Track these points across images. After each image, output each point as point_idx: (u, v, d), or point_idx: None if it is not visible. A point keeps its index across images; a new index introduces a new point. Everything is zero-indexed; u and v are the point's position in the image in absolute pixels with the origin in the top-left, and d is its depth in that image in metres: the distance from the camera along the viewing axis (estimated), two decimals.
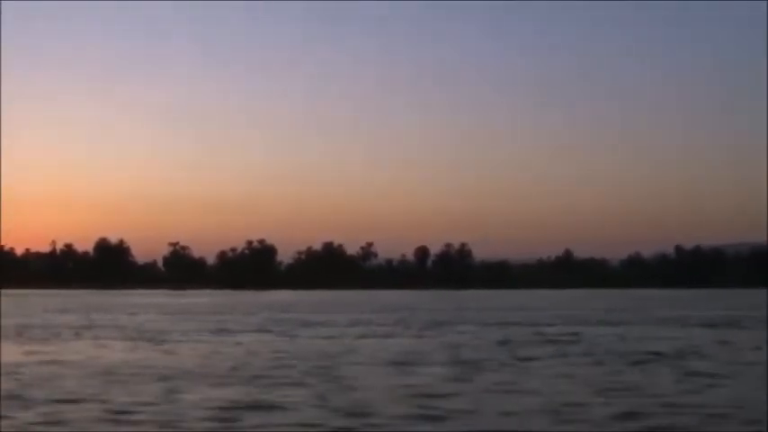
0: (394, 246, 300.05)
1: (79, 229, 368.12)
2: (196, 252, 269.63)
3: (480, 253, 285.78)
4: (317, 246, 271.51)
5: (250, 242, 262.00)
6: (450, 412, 16.17)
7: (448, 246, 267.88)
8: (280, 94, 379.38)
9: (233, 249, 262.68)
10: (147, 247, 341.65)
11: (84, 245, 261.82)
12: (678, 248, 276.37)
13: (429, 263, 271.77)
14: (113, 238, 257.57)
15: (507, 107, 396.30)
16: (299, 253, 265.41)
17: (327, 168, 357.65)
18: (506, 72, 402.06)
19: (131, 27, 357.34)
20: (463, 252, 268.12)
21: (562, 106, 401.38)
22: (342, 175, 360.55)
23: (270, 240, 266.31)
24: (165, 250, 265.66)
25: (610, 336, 39.49)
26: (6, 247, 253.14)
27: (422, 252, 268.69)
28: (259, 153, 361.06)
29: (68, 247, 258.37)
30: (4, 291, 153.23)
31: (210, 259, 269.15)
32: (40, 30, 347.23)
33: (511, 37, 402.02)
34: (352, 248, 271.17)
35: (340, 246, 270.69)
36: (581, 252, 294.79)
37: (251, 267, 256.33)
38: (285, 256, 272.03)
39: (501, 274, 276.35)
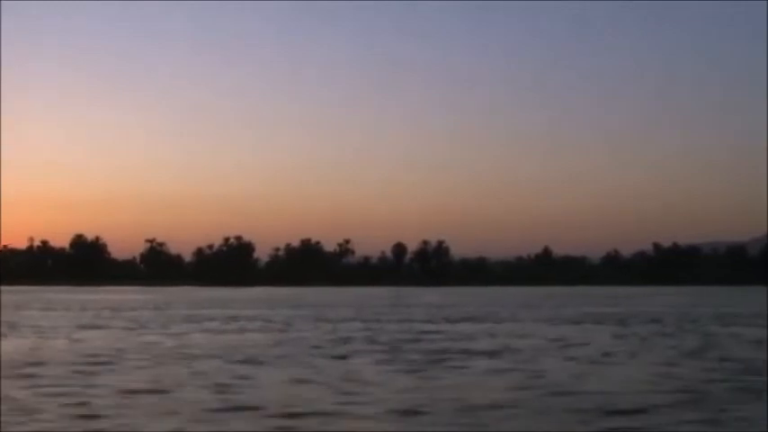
0: (373, 243, 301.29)
1: (56, 228, 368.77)
2: (174, 249, 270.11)
3: (460, 251, 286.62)
4: (296, 243, 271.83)
5: (227, 239, 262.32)
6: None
7: (425, 243, 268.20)
8: (256, 94, 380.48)
9: (210, 246, 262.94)
10: (125, 245, 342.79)
11: (62, 243, 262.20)
12: (656, 246, 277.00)
13: (406, 260, 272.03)
14: (90, 236, 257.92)
15: (488, 107, 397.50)
16: (276, 249, 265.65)
17: (305, 167, 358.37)
18: (487, 71, 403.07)
19: (115, 26, 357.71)
20: (440, 249, 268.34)
21: (542, 106, 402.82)
22: (320, 173, 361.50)
23: (248, 238, 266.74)
24: (143, 247, 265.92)
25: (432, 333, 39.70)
26: None
27: (399, 249, 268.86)
28: (237, 152, 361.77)
29: (45, 243, 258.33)
30: None
31: (188, 256, 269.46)
32: (23, 27, 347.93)
33: (493, 36, 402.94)
34: (330, 246, 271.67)
35: (318, 243, 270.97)
36: (561, 250, 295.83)
37: (228, 264, 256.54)
38: (263, 253, 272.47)
39: (478, 271, 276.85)
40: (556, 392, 18.25)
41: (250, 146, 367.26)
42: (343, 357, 26.33)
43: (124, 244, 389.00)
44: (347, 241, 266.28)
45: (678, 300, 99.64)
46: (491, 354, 27.99)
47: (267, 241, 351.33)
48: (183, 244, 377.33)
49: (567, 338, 35.27)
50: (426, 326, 44.87)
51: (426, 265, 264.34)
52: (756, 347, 30.74)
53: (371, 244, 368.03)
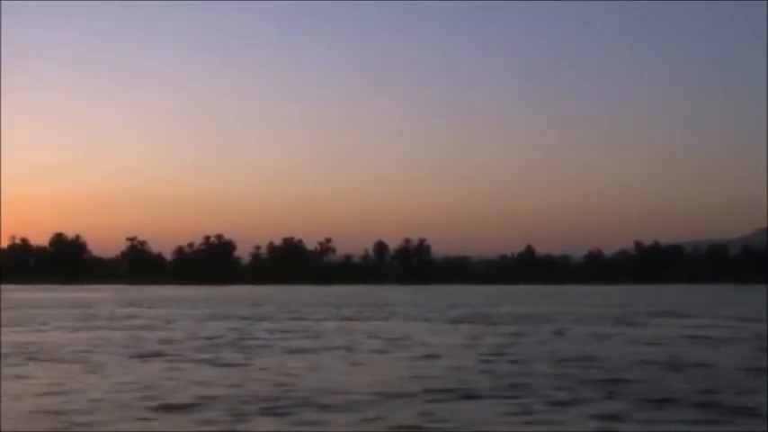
0: (357, 242, 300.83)
1: (36, 226, 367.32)
2: (157, 248, 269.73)
3: (443, 249, 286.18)
4: (278, 241, 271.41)
5: (207, 237, 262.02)
6: None
7: (406, 241, 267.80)
8: (238, 93, 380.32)
9: (190, 245, 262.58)
10: (107, 244, 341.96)
11: (42, 241, 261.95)
12: (637, 244, 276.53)
13: (388, 258, 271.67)
14: (70, 234, 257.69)
15: (471, 107, 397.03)
16: (257, 248, 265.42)
17: (286, 166, 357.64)
18: (476, 72, 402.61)
19: (107, 25, 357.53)
20: (422, 248, 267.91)
21: (525, 107, 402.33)
22: (303, 172, 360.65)
23: (230, 237, 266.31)
24: (124, 246, 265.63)
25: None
26: None
27: (380, 247, 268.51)
28: (219, 151, 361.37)
29: (24, 241, 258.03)
30: None
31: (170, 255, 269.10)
32: (16, 28, 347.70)
33: (478, 38, 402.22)
34: (311, 245, 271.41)
35: (300, 241, 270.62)
36: (544, 249, 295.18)
37: (208, 263, 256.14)
38: (245, 252, 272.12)
39: (460, 270, 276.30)
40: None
41: (232, 146, 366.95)
42: (141, 356, 26.13)
43: (106, 243, 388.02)
44: (328, 240, 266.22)
45: (626, 299, 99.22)
46: (292, 351, 27.81)
47: (250, 240, 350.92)
48: (167, 243, 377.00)
49: (406, 338, 34.95)
50: (307, 323, 44.45)
51: (408, 264, 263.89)
52: (603, 345, 30.29)
53: (355, 243, 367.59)
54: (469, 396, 17.84)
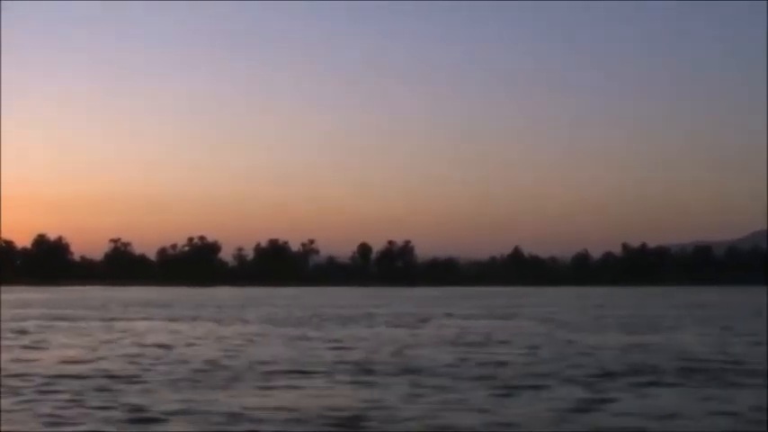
0: (344, 244, 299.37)
1: (20, 227, 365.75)
2: (142, 250, 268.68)
3: (431, 251, 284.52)
4: (263, 243, 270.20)
5: (191, 239, 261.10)
6: None
7: (390, 243, 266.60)
8: (219, 96, 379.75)
9: (173, 246, 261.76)
10: (91, 245, 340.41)
11: (24, 242, 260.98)
12: (625, 246, 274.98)
13: (372, 260, 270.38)
14: (52, 235, 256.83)
15: (460, 106, 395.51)
16: (239, 249, 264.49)
17: (269, 168, 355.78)
18: (459, 69, 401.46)
19: (100, 27, 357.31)
20: (406, 249, 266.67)
21: (515, 106, 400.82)
22: (284, 174, 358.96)
23: (215, 239, 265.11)
24: (107, 247, 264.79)
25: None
26: None
27: (364, 249, 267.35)
28: (202, 152, 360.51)
29: (9, 243, 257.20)
30: None
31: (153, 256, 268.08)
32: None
33: (464, 33, 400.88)
34: (295, 246, 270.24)
35: (285, 243, 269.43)
36: (532, 251, 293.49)
37: (192, 264, 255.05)
38: (230, 254, 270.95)
39: (446, 272, 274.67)
40: None
41: (214, 148, 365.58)
42: None
43: (89, 244, 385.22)
44: (311, 241, 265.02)
45: (576, 301, 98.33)
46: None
47: (234, 242, 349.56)
48: (152, 244, 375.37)
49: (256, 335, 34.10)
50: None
51: (392, 265, 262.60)
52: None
53: (341, 245, 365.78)
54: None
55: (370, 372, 22.67)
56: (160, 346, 30.86)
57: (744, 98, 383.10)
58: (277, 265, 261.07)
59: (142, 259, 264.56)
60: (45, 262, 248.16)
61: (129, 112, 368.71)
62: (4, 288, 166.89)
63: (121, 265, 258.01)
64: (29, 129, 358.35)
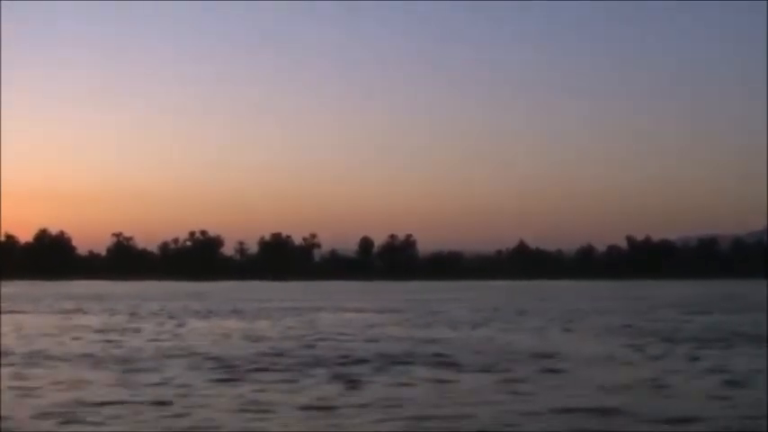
0: (342, 238, 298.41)
1: (21, 222, 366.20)
2: (144, 244, 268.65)
3: (435, 245, 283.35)
4: (267, 236, 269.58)
5: (192, 233, 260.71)
6: None
7: (392, 237, 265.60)
8: (224, 85, 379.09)
9: (175, 240, 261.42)
10: (92, 239, 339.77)
11: (26, 237, 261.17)
12: (629, 239, 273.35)
13: (374, 254, 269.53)
14: (54, 230, 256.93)
15: (462, 101, 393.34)
16: (240, 243, 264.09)
17: (271, 162, 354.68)
18: (462, 63, 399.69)
19: (99, 26, 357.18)
20: (408, 243, 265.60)
21: (516, 100, 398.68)
22: (286, 168, 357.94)
23: (216, 233, 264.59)
24: (110, 241, 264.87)
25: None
26: None
27: (366, 243, 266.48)
28: (204, 147, 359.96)
29: (10, 237, 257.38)
30: None
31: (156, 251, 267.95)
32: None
33: (465, 30, 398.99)
34: (297, 240, 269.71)
35: (288, 237, 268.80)
36: (537, 244, 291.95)
37: (194, 258, 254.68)
38: (230, 248, 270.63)
39: (449, 265, 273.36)
40: None
41: (216, 142, 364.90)
42: None
43: (92, 239, 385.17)
44: (313, 235, 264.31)
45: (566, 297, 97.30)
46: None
47: (236, 236, 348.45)
48: (154, 238, 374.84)
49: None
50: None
51: (393, 259, 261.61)
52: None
53: (344, 238, 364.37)
54: None
55: None
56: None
57: (758, 94, 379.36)
58: (280, 259, 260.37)
59: (144, 253, 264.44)
60: (47, 257, 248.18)
61: (132, 107, 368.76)
62: (5, 283, 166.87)
63: (124, 260, 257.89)
64: (30, 123, 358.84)
